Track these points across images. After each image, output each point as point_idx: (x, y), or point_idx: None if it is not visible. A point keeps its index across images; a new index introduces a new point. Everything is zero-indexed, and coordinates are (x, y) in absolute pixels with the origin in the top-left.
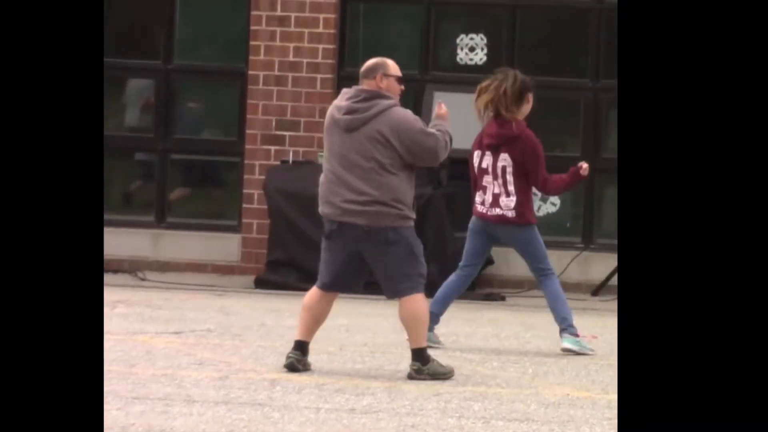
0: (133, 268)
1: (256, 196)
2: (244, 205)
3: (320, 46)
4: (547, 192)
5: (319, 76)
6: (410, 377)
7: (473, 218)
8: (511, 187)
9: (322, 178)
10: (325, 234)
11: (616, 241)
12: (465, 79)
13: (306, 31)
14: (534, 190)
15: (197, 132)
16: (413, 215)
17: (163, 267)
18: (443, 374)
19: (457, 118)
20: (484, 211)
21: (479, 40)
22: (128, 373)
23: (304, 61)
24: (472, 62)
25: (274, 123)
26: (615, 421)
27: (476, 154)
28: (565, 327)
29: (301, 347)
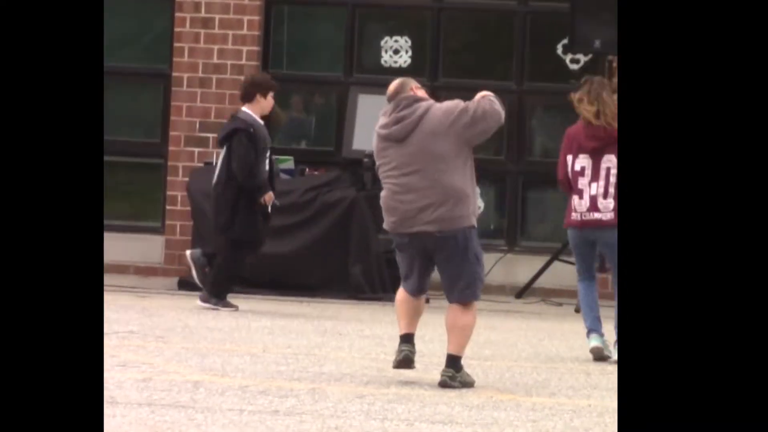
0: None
1: (179, 198)
2: (168, 207)
3: (244, 48)
4: None
5: (243, 78)
6: (444, 384)
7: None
8: (612, 189)
9: (384, 193)
10: (397, 246)
11: (539, 244)
12: (389, 81)
13: (230, 33)
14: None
15: (120, 133)
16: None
17: None
18: (470, 383)
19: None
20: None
21: (404, 42)
22: None
23: (228, 63)
24: (397, 65)
25: (197, 125)
26: (539, 424)
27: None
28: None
29: (409, 339)
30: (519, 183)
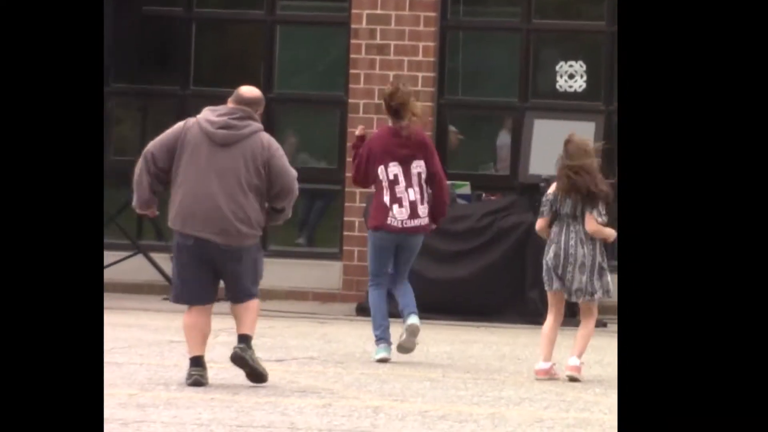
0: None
1: (357, 224)
2: (345, 233)
3: (420, 74)
4: None
5: (418, 103)
6: (238, 356)
7: None
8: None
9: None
10: None
11: None
12: (564, 106)
13: (405, 59)
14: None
15: (298, 160)
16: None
17: (265, 295)
18: (261, 372)
19: (558, 146)
20: None
21: (578, 67)
22: (232, 401)
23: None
24: (572, 89)
25: None
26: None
27: None
28: None
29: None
30: None
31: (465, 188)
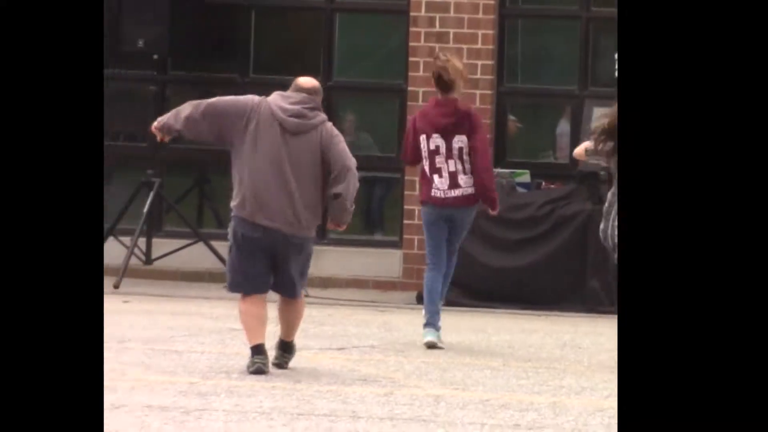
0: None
1: (416, 212)
2: (405, 221)
3: (479, 62)
4: None
5: (477, 92)
6: (280, 365)
7: None
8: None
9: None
10: None
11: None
12: None
13: (465, 47)
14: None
15: (357, 148)
16: None
17: (325, 283)
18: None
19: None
20: None
21: None
22: (293, 390)
23: None
24: None
25: None
26: None
27: None
28: None
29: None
30: None
31: (525, 176)
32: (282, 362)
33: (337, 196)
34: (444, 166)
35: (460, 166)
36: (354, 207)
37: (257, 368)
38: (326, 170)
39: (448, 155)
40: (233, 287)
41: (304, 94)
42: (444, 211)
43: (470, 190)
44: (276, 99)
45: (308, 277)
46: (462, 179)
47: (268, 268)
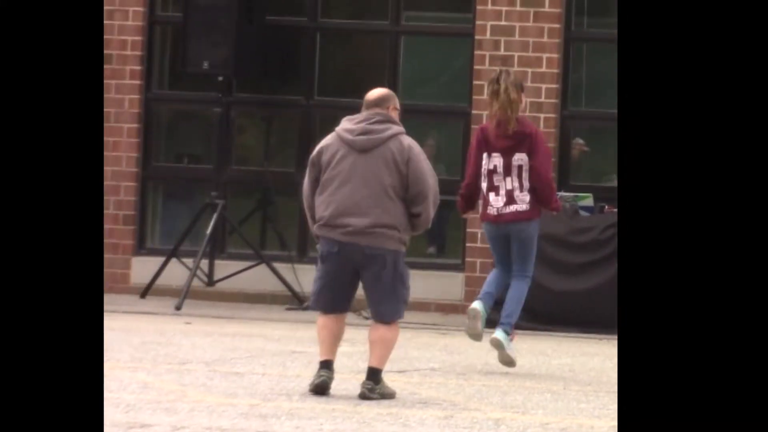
0: (357, 306)
1: (479, 235)
2: (468, 244)
3: (543, 86)
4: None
5: (542, 115)
6: (363, 396)
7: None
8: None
9: (324, 198)
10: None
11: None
12: None
13: (529, 70)
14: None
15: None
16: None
17: None
18: (390, 395)
19: None
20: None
21: None
22: (353, 412)
23: (528, 100)
24: None
25: None
26: None
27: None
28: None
29: (327, 365)
30: None
31: (588, 200)
32: (364, 391)
33: (415, 215)
34: (502, 185)
35: (517, 184)
36: (431, 222)
37: (322, 381)
38: (405, 184)
39: (506, 173)
40: (311, 304)
41: (370, 110)
42: (499, 228)
43: (526, 207)
44: (343, 124)
45: None
46: (518, 196)
47: (348, 287)
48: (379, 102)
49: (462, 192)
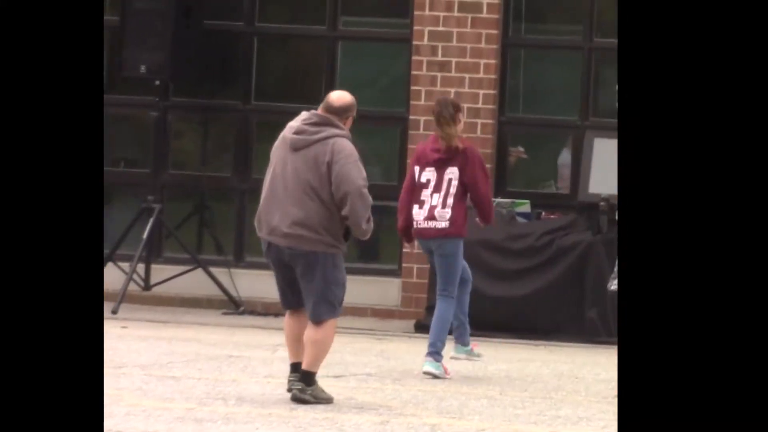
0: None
1: (416, 241)
2: (405, 250)
3: (480, 92)
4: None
5: (479, 121)
6: (295, 398)
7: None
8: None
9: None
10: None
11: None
12: None
13: (467, 76)
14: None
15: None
16: (341, 245)
17: None
18: (326, 399)
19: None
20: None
21: None
22: (289, 417)
23: (465, 106)
24: None
25: None
26: None
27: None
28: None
29: (294, 368)
30: None
31: (525, 207)
32: (295, 392)
33: (344, 218)
34: (428, 199)
35: (442, 200)
36: (371, 221)
37: (292, 395)
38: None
39: (436, 189)
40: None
41: (316, 112)
42: (424, 243)
43: (445, 224)
44: (292, 121)
45: None
46: (439, 213)
47: (292, 284)
48: (339, 111)
49: (399, 225)
